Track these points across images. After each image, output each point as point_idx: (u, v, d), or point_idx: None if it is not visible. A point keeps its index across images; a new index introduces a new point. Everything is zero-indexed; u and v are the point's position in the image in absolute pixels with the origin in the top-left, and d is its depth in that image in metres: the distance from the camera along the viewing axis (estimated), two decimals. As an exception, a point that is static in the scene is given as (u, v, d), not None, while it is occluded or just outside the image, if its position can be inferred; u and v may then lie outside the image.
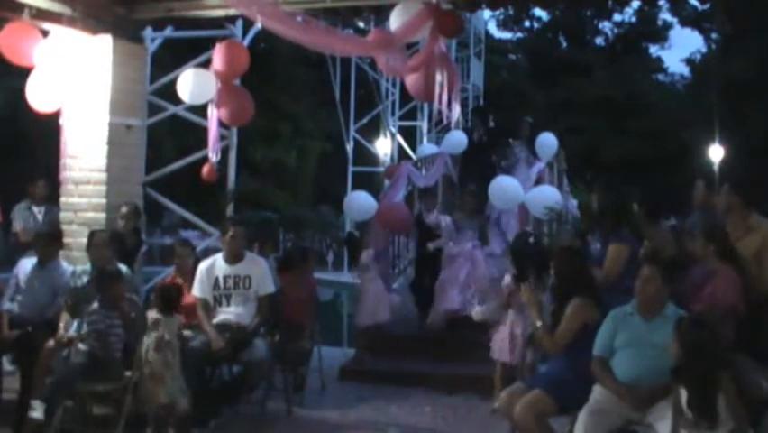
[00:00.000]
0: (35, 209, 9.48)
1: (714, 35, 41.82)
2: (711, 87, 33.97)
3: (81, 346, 6.75)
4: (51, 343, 7.03)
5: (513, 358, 7.94)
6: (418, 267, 11.22)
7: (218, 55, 8.68)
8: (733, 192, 6.60)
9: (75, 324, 6.99)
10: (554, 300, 6.29)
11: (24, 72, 8.25)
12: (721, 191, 6.77)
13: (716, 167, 29.28)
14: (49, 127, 9.35)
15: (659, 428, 5.14)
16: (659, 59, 47.96)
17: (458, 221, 10.39)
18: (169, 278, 8.36)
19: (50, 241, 7.94)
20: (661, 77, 47.76)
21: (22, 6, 7.97)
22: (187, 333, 7.22)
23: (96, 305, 6.84)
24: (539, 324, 6.17)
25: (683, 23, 43.78)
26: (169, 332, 6.73)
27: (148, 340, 6.67)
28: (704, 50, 44.27)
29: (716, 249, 6.12)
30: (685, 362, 4.87)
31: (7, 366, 8.00)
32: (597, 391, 5.57)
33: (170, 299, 6.96)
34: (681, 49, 74.09)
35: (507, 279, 8.09)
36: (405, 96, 24.07)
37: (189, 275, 7.79)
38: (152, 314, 7.03)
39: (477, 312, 8.51)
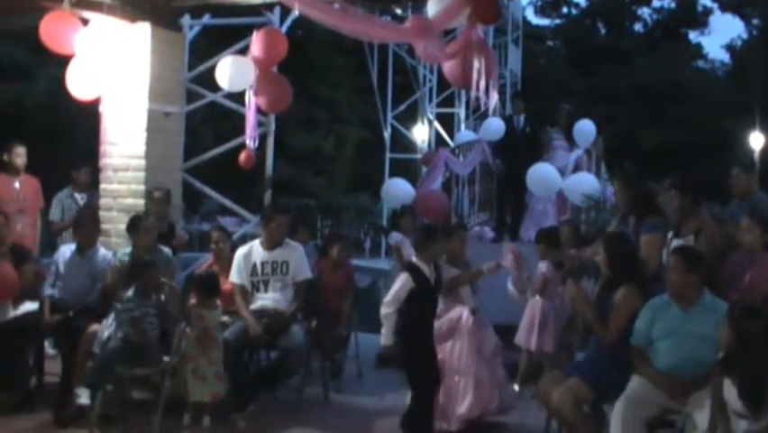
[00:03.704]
0: (77, 196, 9.53)
1: (755, 21, 41.35)
2: (752, 73, 33.56)
3: (118, 333, 6.78)
4: (93, 327, 7.11)
5: (536, 346, 7.93)
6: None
7: (256, 42, 8.69)
8: None
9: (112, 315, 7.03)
10: (600, 288, 6.20)
11: (65, 61, 8.31)
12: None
13: (756, 155, 28.94)
14: (89, 115, 9.42)
15: (697, 418, 5.09)
16: (699, 46, 47.46)
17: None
18: (206, 264, 8.41)
19: (89, 224, 8.00)
20: (701, 63, 47.21)
21: (62, -5, 8.03)
22: (225, 319, 7.25)
23: (130, 292, 6.87)
24: (590, 317, 6.04)
25: (723, 8, 43.34)
26: (212, 326, 6.80)
27: (190, 331, 6.75)
28: (745, 36, 43.89)
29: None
30: (737, 350, 4.78)
31: (49, 350, 8.12)
32: (634, 381, 5.54)
33: (210, 287, 7.00)
34: (721, 35, 73.70)
35: (542, 266, 8.04)
36: (442, 82, 24.03)
37: (226, 262, 7.84)
38: (192, 302, 7.08)
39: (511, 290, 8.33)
